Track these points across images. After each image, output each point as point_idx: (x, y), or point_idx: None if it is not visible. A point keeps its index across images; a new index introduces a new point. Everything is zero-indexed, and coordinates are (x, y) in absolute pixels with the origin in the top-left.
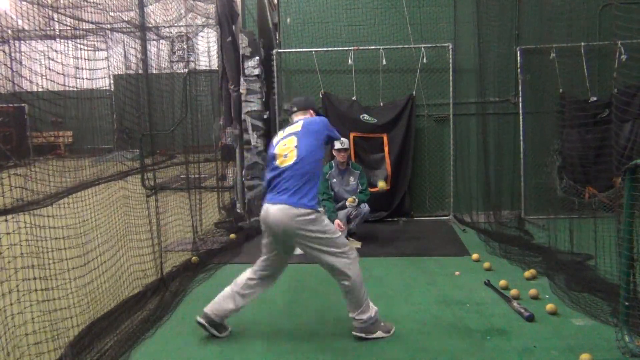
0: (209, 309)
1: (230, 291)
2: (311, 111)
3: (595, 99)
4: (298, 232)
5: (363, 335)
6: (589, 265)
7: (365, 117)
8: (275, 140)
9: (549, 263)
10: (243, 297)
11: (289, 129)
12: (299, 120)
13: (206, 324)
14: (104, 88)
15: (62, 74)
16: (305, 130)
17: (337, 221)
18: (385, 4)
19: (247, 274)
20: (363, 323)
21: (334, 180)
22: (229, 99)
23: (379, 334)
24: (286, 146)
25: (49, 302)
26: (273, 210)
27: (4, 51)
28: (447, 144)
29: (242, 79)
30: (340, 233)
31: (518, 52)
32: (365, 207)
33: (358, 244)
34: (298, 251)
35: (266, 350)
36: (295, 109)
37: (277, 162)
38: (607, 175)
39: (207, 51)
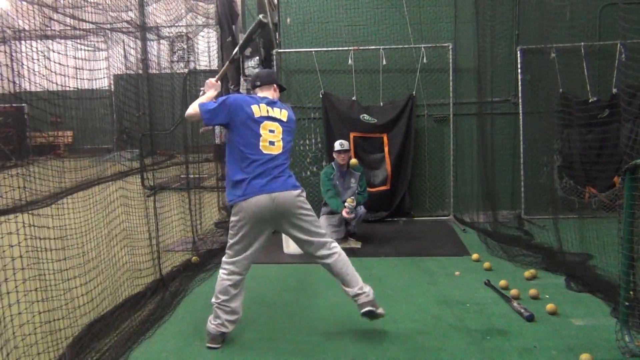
0: (213, 329)
1: (220, 307)
2: (275, 86)
3: (595, 99)
4: (295, 212)
5: (373, 309)
6: (589, 265)
7: (365, 117)
8: (256, 110)
9: (549, 263)
10: (234, 310)
11: (271, 111)
12: (281, 106)
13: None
14: (104, 88)
15: (62, 74)
16: (289, 126)
17: (345, 210)
18: (385, 4)
19: (230, 288)
20: (367, 296)
21: (337, 182)
22: None
23: (381, 310)
24: (273, 133)
25: (48, 302)
26: (279, 195)
27: (4, 51)
28: (447, 144)
29: (242, 79)
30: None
31: (518, 52)
32: (361, 209)
33: (358, 244)
34: (293, 250)
35: (266, 350)
36: (258, 82)
37: (261, 147)
38: (607, 175)
39: (207, 51)
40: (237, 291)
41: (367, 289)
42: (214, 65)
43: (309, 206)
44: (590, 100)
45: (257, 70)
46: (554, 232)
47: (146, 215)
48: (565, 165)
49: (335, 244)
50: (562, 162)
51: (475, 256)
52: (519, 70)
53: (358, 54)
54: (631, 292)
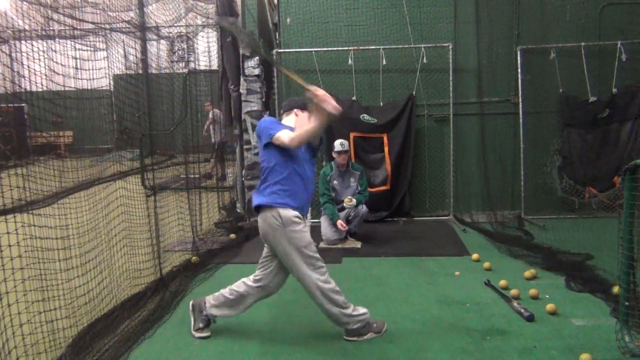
0: (207, 297)
1: (225, 293)
2: (295, 111)
3: (595, 99)
4: (268, 232)
5: (355, 339)
6: (589, 265)
7: (365, 117)
8: None
9: (549, 263)
10: (232, 304)
11: None
12: None
13: (191, 307)
14: (104, 88)
15: (62, 74)
16: (257, 135)
17: (339, 222)
18: (385, 4)
19: (244, 279)
20: (351, 331)
21: (335, 182)
22: (229, 99)
23: (370, 335)
24: None
25: (49, 302)
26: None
27: (3, 51)
28: (447, 144)
29: (242, 79)
30: (314, 249)
31: (518, 52)
32: (363, 208)
33: (358, 244)
34: None
35: (266, 350)
36: (282, 110)
37: None
38: (607, 175)
39: (207, 51)
40: (238, 300)
41: (355, 326)
42: (214, 65)
43: (272, 226)
44: (590, 100)
45: (257, 70)
46: (559, 231)
47: (146, 215)
48: (566, 165)
49: (314, 289)
50: (562, 162)
51: (475, 256)
52: (519, 70)
53: (358, 54)
54: (631, 292)
